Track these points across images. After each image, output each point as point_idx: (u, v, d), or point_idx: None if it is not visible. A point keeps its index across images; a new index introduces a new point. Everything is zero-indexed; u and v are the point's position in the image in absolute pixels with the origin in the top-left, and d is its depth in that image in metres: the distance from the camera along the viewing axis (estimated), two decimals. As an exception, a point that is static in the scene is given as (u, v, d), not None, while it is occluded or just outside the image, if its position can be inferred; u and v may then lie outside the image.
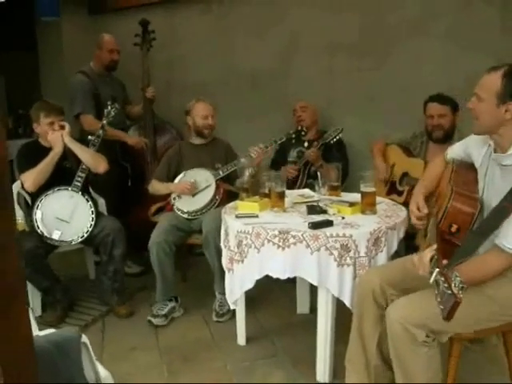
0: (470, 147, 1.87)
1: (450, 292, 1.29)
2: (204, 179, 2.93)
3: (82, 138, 2.99)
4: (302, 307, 2.82)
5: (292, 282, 2.69)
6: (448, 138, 2.73)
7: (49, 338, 1.23)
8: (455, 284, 1.30)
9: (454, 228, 1.66)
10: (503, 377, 1.99)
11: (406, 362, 1.68)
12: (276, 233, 2.05)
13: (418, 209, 1.89)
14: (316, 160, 3.20)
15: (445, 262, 1.52)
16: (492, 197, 1.68)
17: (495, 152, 1.71)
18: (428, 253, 1.54)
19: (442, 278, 1.34)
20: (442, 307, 1.32)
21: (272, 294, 2.97)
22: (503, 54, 2.90)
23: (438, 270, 1.39)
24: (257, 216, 2.28)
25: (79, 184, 2.80)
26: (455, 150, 1.96)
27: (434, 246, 1.56)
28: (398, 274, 1.85)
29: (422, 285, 1.71)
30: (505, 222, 1.57)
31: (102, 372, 1.41)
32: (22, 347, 0.95)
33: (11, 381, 0.90)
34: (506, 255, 1.58)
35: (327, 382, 2.18)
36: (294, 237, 2.03)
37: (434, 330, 1.62)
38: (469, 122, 2.79)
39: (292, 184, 3.21)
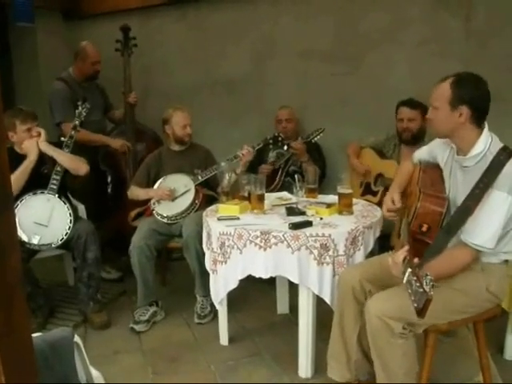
0: (434, 150, 1.99)
1: (421, 290, 1.37)
2: (183, 184, 2.97)
3: (61, 143, 2.97)
4: (282, 307, 2.88)
5: (271, 283, 2.76)
6: (417, 140, 2.86)
7: (43, 338, 1.26)
8: (426, 282, 1.38)
9: (424, 228, 1.76)
10: (473, 365, 2.10)
11: (383, 353, 1.77)
12: (258, 234, 2.12)
13: (393, 202, 1.99)
14: (302, 153, 3.26)
15: (416, 260, 1.62)
16: (457, 196, 1.79)
17: (457, 154, 1.82)
18: (401, 254, 1.63)
19: (414, 278, 1.43)
20: (415, 305, 1.40)
21: (252, 296, 3.02)
22: (468, 60, 3.06)
23: (410, 270, 1.47)
24: (238, 218, 2.34)
25: (55, 187, 2.78)
26: (421, 153, 2.08)
27: (406, 248, 1.65)
28: (376, 271, 1.94)
29: (399, 280, 1.81)
30: (469, 220, 1.69)
31: (94, 372, 1.44)
32: (22, 347, 0.96)
33: (11, 380, 0.92)
34: (471, 250, 1.70)
35: (309, 376, 2.25)
36: (275, 237, 2.10)
37: (411, 322, 1.71)
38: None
39: (270, 182, 3.27)
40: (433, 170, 1.95)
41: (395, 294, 1.76)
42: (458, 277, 1.75)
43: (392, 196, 2.01)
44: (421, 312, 1.39)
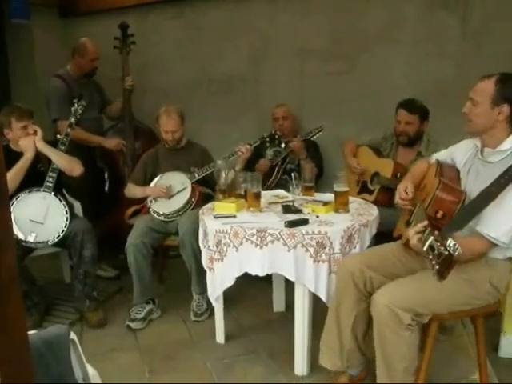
0: (455, 152, 2.03)
1: (446, 252, 1.40)
2: (180, 182, 2.97)
3: (56, 141, 2.96)
4: (278, 305, 2.89)
5: (268, 281, 2.76)
6: (413, 142, 2.86)
7: (39, 336, 1.26)
8: (450, 246, 1.42)
9: (439, 214, 1.79)
10: (469, 364, 2.13)
11: (387, 345, 1.77)
12: (254, 232, 2.12)
13: (406, 191, 2.01)
14: (300, 151, 3.26)
15: (437, 232, 1.62)
16: (473, 192, 1.81)
17: (483, 150, 1.86)
18: (421, 226, 1.65)
19: (438, 243, 1.45)
20: (437, 267, 1.43)
21: (248, 294, 3.02)
22: (463, 59, 3.07)
23: (432, 237, 1.49)
24: (234, 216, 2.34)
25: (51, 184, 2.77)
26: (440, 154, 2.12)
27: (426, 222, 1.66)
28: (376, 260, 1.97)
29: (401, 269, 1.90)
30: (487, 209, 1.70)
31: (90, 370, 1.44)
32: (18, 344, 0.96)
33: (8, 380, 0.92)
34: (486, 241, 1.73)
35: (305, 374, 2.26)
36: (271, 235, 2.10)
37: (420, 312, 1.74)
38: (435, 127, 2.94)
39: (266, 179, 3.28)
40: (450, 169, 2.00)
41: (406, 285, 1.79)
42: (463, 267, 1.75)
43: (406, 185, 2.02)
44: (443, 273, 1.41)
